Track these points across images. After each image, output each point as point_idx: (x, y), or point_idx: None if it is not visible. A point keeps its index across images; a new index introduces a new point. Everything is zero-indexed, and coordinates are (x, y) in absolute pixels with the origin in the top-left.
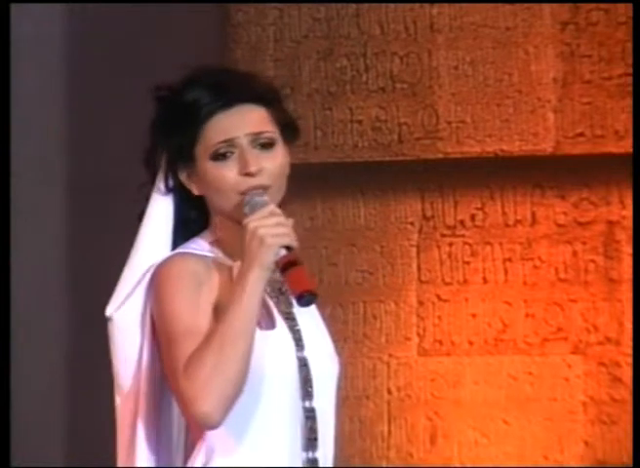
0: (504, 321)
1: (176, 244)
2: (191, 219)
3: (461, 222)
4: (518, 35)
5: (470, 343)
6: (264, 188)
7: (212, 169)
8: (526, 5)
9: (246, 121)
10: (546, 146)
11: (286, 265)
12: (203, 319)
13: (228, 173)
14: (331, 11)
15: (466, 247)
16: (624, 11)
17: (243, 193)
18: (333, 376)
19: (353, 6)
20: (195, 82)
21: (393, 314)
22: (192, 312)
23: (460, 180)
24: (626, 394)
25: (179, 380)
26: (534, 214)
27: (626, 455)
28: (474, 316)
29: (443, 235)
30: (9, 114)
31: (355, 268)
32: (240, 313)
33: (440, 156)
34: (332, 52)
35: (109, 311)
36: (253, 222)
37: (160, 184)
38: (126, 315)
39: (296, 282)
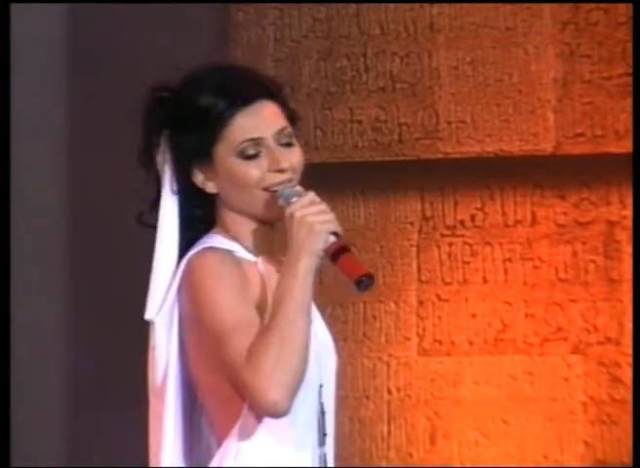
0: (504, 321)
1: (181, 243)
2: (197, 218)
3: (461, 222)
4: (518, 35)
5: (470, 343)
6: (289, 182)
7: (238, 166)
8: (526, 5)
9: (269, 118)
10: (546, 146)
11: (337, 251)
12: (251, 310)
13: (256, 170)
14: (331, 11)
15: (466, 247)
16: (624, 11)
17: (267, 189)
18: (334, 371)
19: (353, 6)
20: (206, 81)
21: (393, 314)
22: (239, 304)
23: (459, 180)
24: (626, 394)
25: (241, 373)
26: (534, 215)
27: (626, 455)
28: (474, 316)
29: (443, 235)
30: (9, 114)
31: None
32: (295, 303)
33: (440, 156)
34: (332, 52)
35: (150, 315)
36: (299, 211)
37: (172, 184)
38: (164, 316)
39: (352, 268)
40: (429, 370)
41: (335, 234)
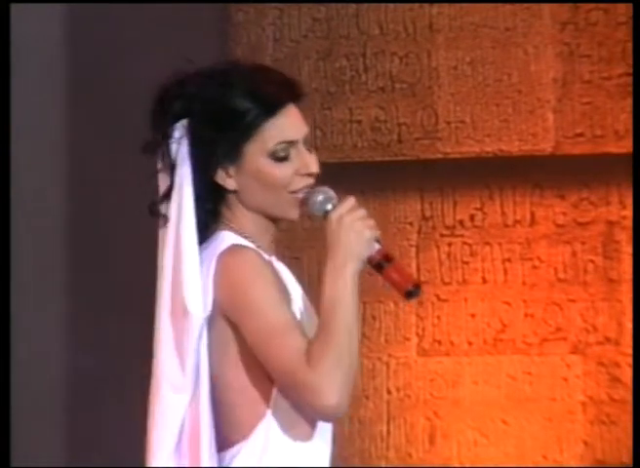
0: (504, 321)
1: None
2: (207, 212)
3: (461, 222)
4: (518, 35)
5: (469, 343)
6: (312, 187)
7: (268, 167)
8: (525, 5)
9: (299, 121)
10: (546, 146)
11: (383, 259)
12: (291, 310)
13: (286, 172)
14: (330, 11)
15: (465, 247)
16: (624, 11)
17: (294, 192)
18: None
19: (353, 6)
20: (240, 80)
21: (392, 314)
22: (283, 304)
23: (459, 181)
24: (626, 394)
25: (301, 375)
26: (533, 215)
27: (626, 455)
28: (473, 316)
29: (442, 235)
30: (9, 114)
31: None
32: (350, 307)
33: (439, 156)
34: (331, 52)
35: (196, 310)
36: (347, 216)
37: (190, 176)
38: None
39: (402, 276)
40: (429, 371)
41: (377, 241)
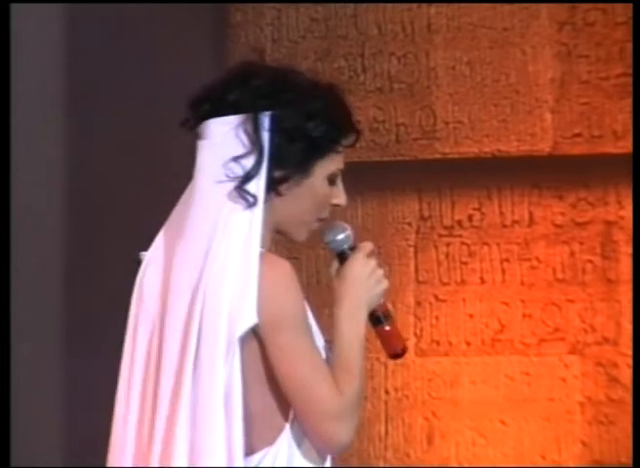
0: (502, 321)
1: None
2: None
3: (459, 223)
4: (515, 35)
5: (468, 343)
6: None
7: (323, 188)
8: (523, 5)
9: None
10: (544, 147)
11: (384, 315)
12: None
13: (331, 196)
14: (329, 11)
15: (464, 247)
16: (622, 11)
17: (319, 220)
18: None
19: (351, 6)
20: (333, 95)
21: None
22: (309, 325)
23: (457, 181)
24: (624, 394)
25: (326, 408)
26: (531, 215)
27: (624, 455)
28: (471, 316)
29: (440, 235)
30: (9, 115)
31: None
32: (360, 348)
33: (437, 156)
34: (329, 52)
35: (251, 319)
36: (367, 264)
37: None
38: None
39: (395, 338)
40: (427, 371)
41: None
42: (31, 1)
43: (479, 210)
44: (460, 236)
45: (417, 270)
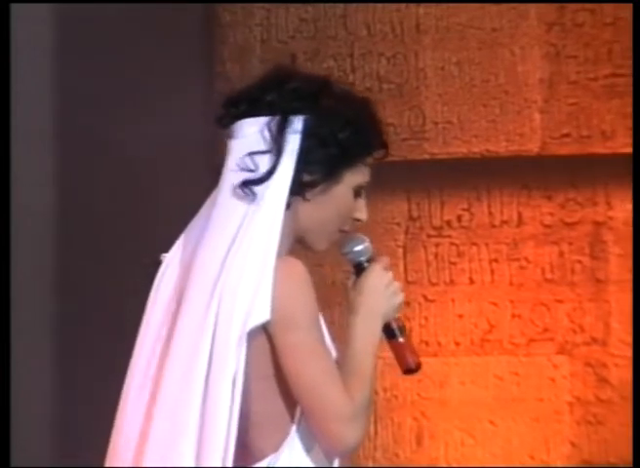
0: (491, 321)
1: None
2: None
3: (448, 223)
4: (504, 36)
5: (457, 344)
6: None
7: (348, 198)
8: (512, 5)
9: None
10: (533, 147)
11: (399, 329)
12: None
13: (355, 209)
14: (318, 11)
15: (453, 247)
16: (610, 11)
17: (341, 231)
18: None
19: (340, 7)
20: (369, 110)
21: None
22: (320, 326)
23: (446, 181)
24: (612, 394)
25: (338, 411)
26: (520, 215)
27: (613, 456)
28: (461, 316)
29: (429, 236)
30: (9, 115)
31: (341, 269)
32: (374, 357)
33: (427, 157)
34: (319, 52)
35: (264, 315)
36: (385, 276)
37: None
38: None
39: (409, 352)
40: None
41: None
42: (32, 1)
43: (468, 210)
44: (450, 236)
45: (406, 270)
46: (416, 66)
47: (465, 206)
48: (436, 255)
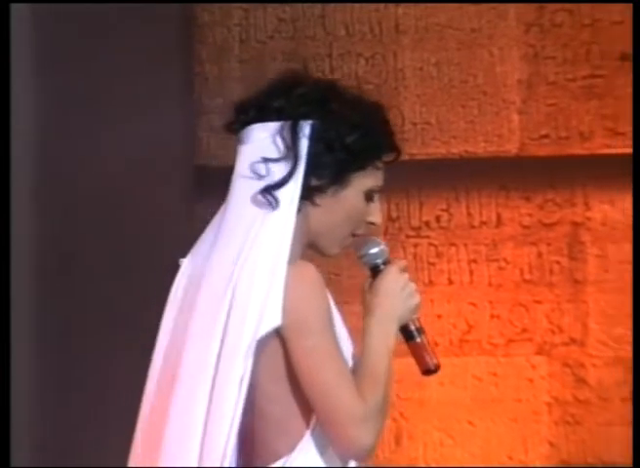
0: (469, 322)
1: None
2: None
3: (427, 224)
4: (483, 37)
5: (435, 344)
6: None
7: (359, 202)
8: (491, 6)
9: None
10: (511, 148)
11: (417, 330)
12: (337, 338)
13: (367, 212)
14: (296, 12)
15: (431, 248)
16: (588, 12)
17: (353, 235)
18: None
19: (319, 7)
20: (376, 111)
21: (358, 316)
22: (334, 333)
23: (425, 182)
24: (590, 395)
25: (350, 413)
26: (499, 216)
27: (591, 456)
28: (439, 317)
29: (408, 236)
30: (9, 116)
31: (320, 270)
32: (389, 359)
33: (405, 157)
34: (297, 53)
35: (276, 320)
36: (401, 277)
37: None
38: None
39: (429, 353)
40: (395, 371)
41: None
42: (32, 1)
43: (447, 211)
44: (428, 237)
45: None
46: (394, 67)
47: (444, 206)
48: (415, 256)
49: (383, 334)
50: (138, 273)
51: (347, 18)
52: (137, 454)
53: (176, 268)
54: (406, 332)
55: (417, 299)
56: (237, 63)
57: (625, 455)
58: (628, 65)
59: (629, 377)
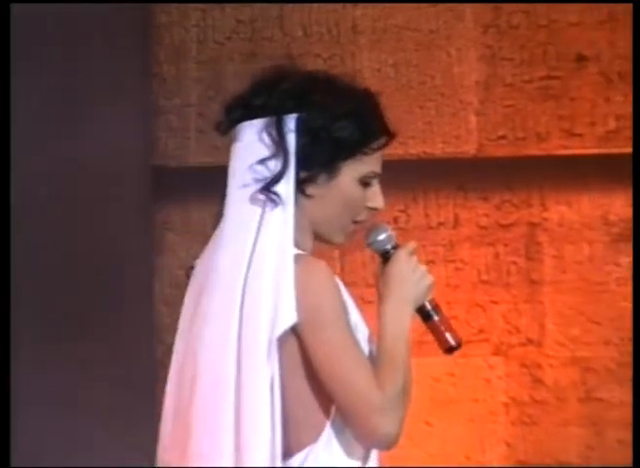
0: None
1: None
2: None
3: None
4: (440, 38)
5: None
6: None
7: (353, 189)
8: (448, 7)
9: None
10: (469, 149)
11: (434, 309)
12: (352, 331)
13: (365, 198)
14: (254, 13)
15: None
16: (544, 13)
17: (355, 222)
18: None
19: (276, 8)
20: (364, 98)
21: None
22: (349, 325)
23: (382, 182)
24: (547, 395)
25: (366, 400)
26: (456, 217)
27: (548, 456)
28: None
29: None
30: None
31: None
32: (406, 342)
33: None
34: (255, 54)
35: (291, 317)
36: (411, 260)
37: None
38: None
39: (449, 330)
40: None
41: None
42: (32, 1)
43: (404, 211)
44: None
45: (342, 272)
46: (352, 68)
47: (402, 207)
48: (373, 257)
49: (399, 319)
50: (94, 275)
51: (305, 19)
52: (164, 453)
53: (138, 269)
54: (423, 313)
55: (429, 280)
56: (195, 64)
57: (582, 456)
58: (584, 66)
59: (587, 377)
